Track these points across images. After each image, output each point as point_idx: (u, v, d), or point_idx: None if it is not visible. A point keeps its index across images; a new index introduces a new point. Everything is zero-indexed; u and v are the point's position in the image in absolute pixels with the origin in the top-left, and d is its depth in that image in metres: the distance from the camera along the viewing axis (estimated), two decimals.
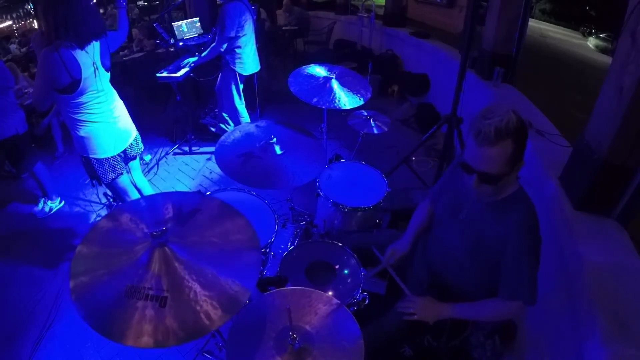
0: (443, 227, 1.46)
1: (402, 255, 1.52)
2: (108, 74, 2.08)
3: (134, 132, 2.30)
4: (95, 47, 1.95)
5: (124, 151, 2.23)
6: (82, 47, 1.87)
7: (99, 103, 2.02)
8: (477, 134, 1.10)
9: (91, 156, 2.10)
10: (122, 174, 2.26)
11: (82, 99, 1.95)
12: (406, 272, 1.57)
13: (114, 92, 2.17)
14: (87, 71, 1.90)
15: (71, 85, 1.87)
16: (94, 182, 2.25)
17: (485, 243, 1.26)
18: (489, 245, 1.25)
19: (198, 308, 0.92)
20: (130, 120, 2.29)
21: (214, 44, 3.42)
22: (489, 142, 1.08)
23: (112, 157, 2.15)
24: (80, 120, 2.00)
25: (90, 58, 1.92)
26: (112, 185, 2.28)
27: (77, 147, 2.11)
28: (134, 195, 2.41)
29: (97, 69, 1.97)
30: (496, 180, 1.14)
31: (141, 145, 2.39)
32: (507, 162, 1.11)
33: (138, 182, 2.54)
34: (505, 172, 1.13)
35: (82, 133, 2.03)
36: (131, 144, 2.27)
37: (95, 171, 2.16)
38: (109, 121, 2.09)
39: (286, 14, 6.65)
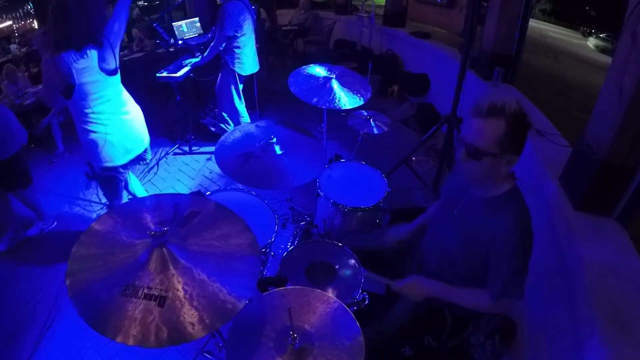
0: (439, 222, 1.48)
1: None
2: (114, 78, 2.01)
3: (146, 141, 2.24)
4: (93, 52, 1.87)
5: (132, 161, 2.20)
6: (81, 52, 1.82)
7: (103, 111, 1.98)
8: (474, 106, 1.16)
9: (94, 164, 2.09)
10: (122, 179, 2.26)
11: (85, 104, 1.93)
12: (403, 267, 1.58)
13: (124, 99, 2.10)
14: (84, 77, 1.86)
15: (66, 90, 1.86)
16: (91, 177, 2.23)
17: (474, 239, 1.27)
18: (478, 242, 1.25)
19: (191, 312, 0.92)
20: (144, 129, 2.22)
21: (212, 43, 3.42)
22: (481, 114, 1.13)
23: (117, 165, 2.12)
24: (85, 126, 1.98)
25: (91, 63, 1.87)
26: (109, 185, 2.28)
27: (87, 155, 2.08)
28: (124, 196, 2.41)
29: (101, 75, 1.92)
30: (480, 156, 1.15)
31: (149, 155, 2.35)
32: (496, 142, 1.12)
33: (133, 185, 2.53)
34: (492, 152, 1.14)
35: (86, 140, 2.01)
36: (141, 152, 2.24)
37: (97, 175, 2.15)
38: (115, 131, 2.03)
39: (301, 11, 6.64)
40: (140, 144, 2.21)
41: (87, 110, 1.95)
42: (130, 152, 2.15)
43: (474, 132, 1.16)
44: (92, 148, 2.02)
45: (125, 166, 2.18)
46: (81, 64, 1.84)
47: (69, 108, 1.99)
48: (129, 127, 2.12)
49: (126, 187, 2.46)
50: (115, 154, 2.08)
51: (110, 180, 2.20)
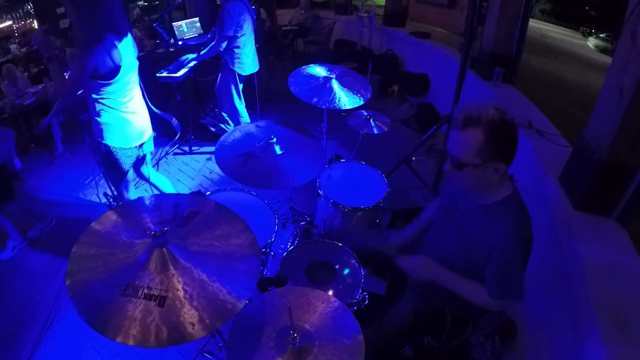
0: (437, 226, 1.47)
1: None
2: (137, 63, 2.14)
3: (150, 130, 2.34)
4: (129, 37, 2.02)
5: (140, 147, 2.27)
6: (121, 38, 1.95)
7: (127, 93, 2.08)
8: (452, 118, 1.18)
9: (110, 144, 2.12)
10: (130, 168, 2.29)
11: (116, 86, 2.00)
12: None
13: (139, 86, 2.23)
14: (128, 58, 1.99)
15: (112, 71, 1.93)
16: (96, 177, 2.28)
17: (473, 246, 1.26)
18: (477, 248, 1.25)
19: (191, 312, 0.92)
20: (148, 118, 2.33)
21: (212, 42, 3.42)
22: (457, 126, 1.15)
23: (129, 148, 2.19)
24: (105, 105, 2.03)
25: (128, 47, 2.00)
26: (122, 178, 2.30)
27: (97, 134, 2.12)
28: (132, 191, 2.43)
29: (135, 57, 2.08)
30: (461, 167, 1.16)
31: (152, 147, 2.42)
32: (476, 152, 1.12)
33: (154, 179, 2.55)
34: (473, 162, 1.14)
35: (103, 119, 2.06)
36: (147, 141, 2.31)
37: (115, 160, 2.18)
38: (130, 111, 2.13)
39: (301, 11, 6.65)
40: (145, 131, 2.29)
41: (113, 92, 2.01)
42: (142, 135, 2.25)
43: (452, 144, 1.18)
44: (107, 127, 2.08)
45: (137, 149, 2.25)
46: (124, 47, 1.96)
47: (91, 88, 1.97)
48: (139, 111, 2.21)
49: (146, 180, 2.51)
50: (127, 135, 2.16)
51: (116, 164, 2.23)
